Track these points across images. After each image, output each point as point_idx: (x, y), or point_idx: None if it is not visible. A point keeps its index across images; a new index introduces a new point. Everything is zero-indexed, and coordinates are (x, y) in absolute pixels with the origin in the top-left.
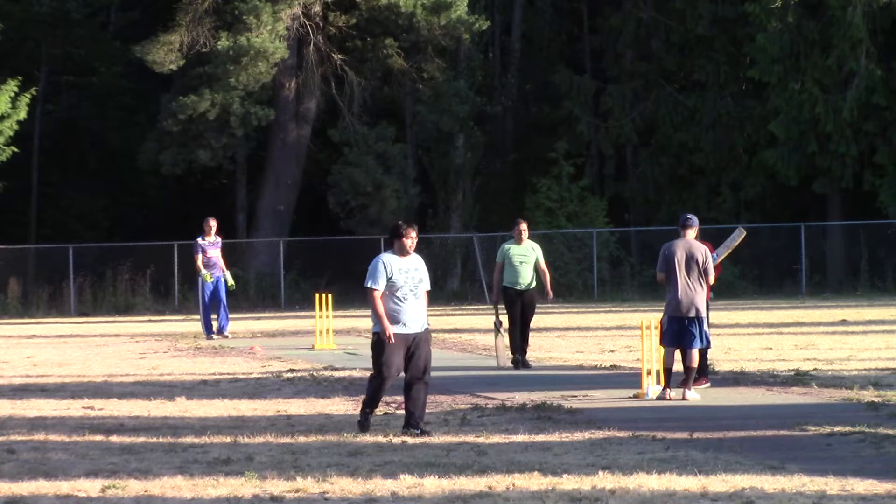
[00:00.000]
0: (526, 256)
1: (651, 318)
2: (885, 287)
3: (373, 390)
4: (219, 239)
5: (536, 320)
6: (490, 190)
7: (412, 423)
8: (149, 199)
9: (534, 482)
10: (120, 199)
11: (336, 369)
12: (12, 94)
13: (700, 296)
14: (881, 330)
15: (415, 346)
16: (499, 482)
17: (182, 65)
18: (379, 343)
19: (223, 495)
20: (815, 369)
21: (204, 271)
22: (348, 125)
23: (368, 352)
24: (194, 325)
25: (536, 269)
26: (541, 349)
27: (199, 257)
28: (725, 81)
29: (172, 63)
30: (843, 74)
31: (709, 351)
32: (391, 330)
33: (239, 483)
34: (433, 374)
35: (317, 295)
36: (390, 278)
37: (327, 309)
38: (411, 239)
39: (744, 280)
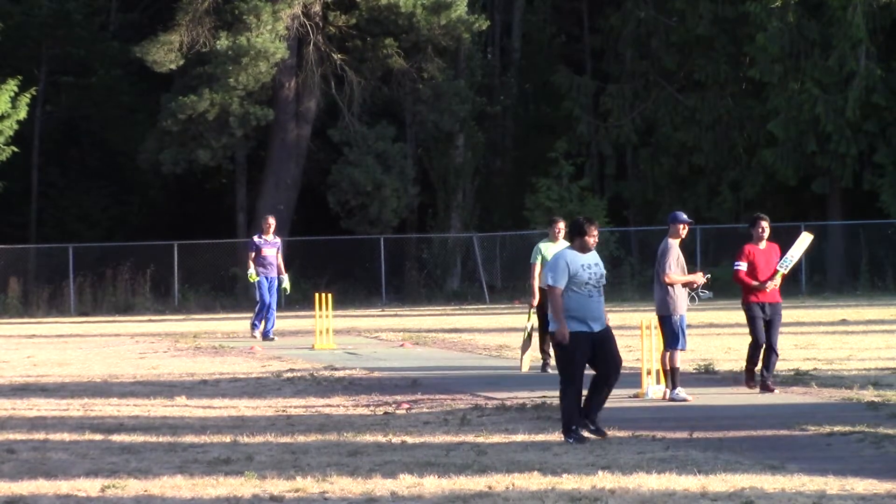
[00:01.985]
0: None
1: (650, 317)
2: (885, 287)
3: (569, 402)
4: (277, 239)
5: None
6: (490, 190)
7: (590, 417)
8: (149, 198)
9: (534, 482)
10: (120, 198)
11: (336, 369)
12: (12, 94)
13: (660, 295)
14: (881, 330)
15: (604, 344)
16: (499, 482)
17: (182, 65)
18: (563, 344)
19: (223, 495)
20: (815, 369)
21: (251, 270)
22: (348, 125)
23: (367, 351)
24: (194, 324)
25: None
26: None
27: (252, 255)
28: (725, 81)
29: (172, 63)
30: (843, 74)
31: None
32: (575, 328)
33: (239, 483)
34: (433, 373)
35: (317, 295)
36: (574, 275)
37: (327, 309)
38: (594, 237)
39: None
